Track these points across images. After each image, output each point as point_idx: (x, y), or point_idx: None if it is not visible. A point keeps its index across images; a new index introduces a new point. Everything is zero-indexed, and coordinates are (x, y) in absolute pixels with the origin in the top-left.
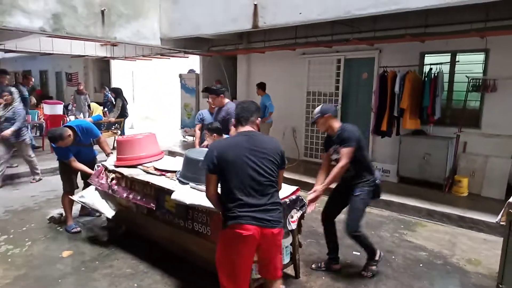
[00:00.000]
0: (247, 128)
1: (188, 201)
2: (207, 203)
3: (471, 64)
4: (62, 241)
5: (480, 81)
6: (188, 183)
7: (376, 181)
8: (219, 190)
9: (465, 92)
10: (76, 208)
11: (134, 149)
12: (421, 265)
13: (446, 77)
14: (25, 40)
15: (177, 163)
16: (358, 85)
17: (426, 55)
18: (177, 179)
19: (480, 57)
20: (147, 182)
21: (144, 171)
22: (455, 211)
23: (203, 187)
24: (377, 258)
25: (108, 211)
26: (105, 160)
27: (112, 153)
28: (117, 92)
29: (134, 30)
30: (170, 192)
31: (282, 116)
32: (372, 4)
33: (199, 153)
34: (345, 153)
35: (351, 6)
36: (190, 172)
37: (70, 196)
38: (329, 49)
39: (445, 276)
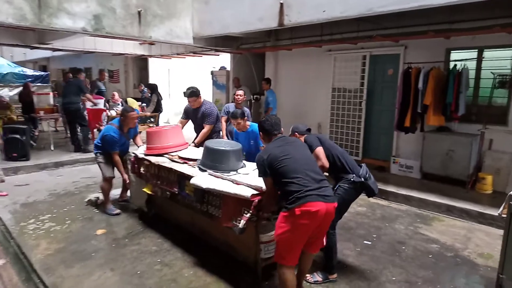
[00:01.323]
0: (280, 134)
1: (204, 186)
2: (222, 188)
3: (498, 60)
4: (97, 221)
5: (508, 77)
6: (206, 170)
7: (351, 179)
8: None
9: (491, 88)
10: (115, 194)
11: (161, 140)
12: (430, 256)
13: (472, 74)
14: (70, 39)
15: (199, 153)
16: (383, 81)
17: (451, 51)
18: (198, 166)
19: (508, 53)
20: (171, 169)
21: (170, 159)
22: (475, 208)
23: (220, 174)
24: (330, 277)
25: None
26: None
27: (142, 145)
28: (153, 88)
29: (168, 30)
30: (190, 177)
31: (307, 112)
32: (394, 1)
33: (217, 143)
34: (317, 153)
35: (373, 4)
36: (209, 160)
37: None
38: (355, 46)
39: (452, 267)
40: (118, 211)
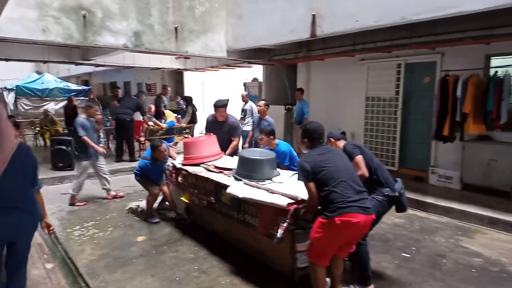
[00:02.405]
0: (323, 143)
1: (240, 195)
2: (258, 197)
3: None
4: (137, 228)
5: None
6: (242, 180)
7: (386, 193)
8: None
9: None
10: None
11: (197, 150)
12: (473, 270)
13: None
14: (111, 55)
15: (234, 162)
16: (420, 89)
17: (492, 57)
18: (233, 176)
19: None
20: (207, 178)
21: (206, 169)
22: None
23: (255, 183)
24: None
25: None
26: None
27: (176, 157)
28: (188, 100)
29: (203, 44)
30: (226, 187)
31: (340, 122)
32: (428, 9)
33: (251, 152)
34: (357, 162)
35: (406, 12)
36: (243, 170)
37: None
38: (389, 54)
39: (498, 282)
40: (157, 220)
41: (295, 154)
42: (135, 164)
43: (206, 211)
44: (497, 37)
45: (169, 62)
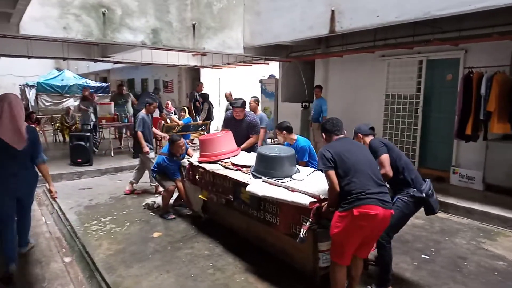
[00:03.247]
0: (341, 136)
1: (260, 193)
2: (278, 195)
3: None
4: (153, 224)
5: None
6: (260, 177)
7: (412, 193)
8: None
9: None
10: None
11: (214, 147)
12: (496, 274)
13: None
14: (129, 52)
15: (251, 159)
16: (442, 87)
17: None
18: (251, 173)
19: None
20: (226, 176)
21: (223, 166)
22: None
23: (274, 181)
24: None
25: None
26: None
27: (192, 155)
28: (204, 97)
29: (220, 41)
30: (245, 185)
31: (359, 119)
32: (453, 4)
33: (270, 149)
34: (382, 160)
35: (430, 7)
36: (262, 167)
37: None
38: (410, 51)
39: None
40: (173, 216)
41: (314, 150)
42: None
43: (224, 208)
44: None
45: (186, 59)
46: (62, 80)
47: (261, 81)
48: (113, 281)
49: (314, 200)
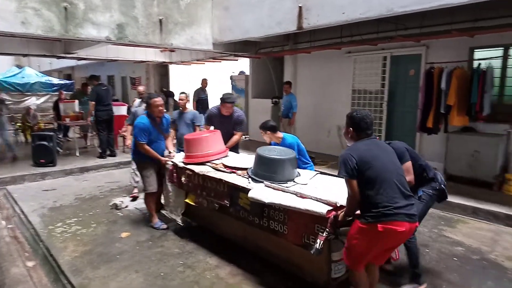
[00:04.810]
0: (371, 136)
1: (267, 200)
2: (289, 203)
3: None
4: (121, 224)
5: None
6: (262, 181)
7: (436, 187)
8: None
9: None
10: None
11: (202, 147)
12: (455, 259)
13: (497, 73)
14: (94, 48)
15: (245, 160)
16: (405, 82)
17: (475, 50)
18: (250, 177)
19: None
20: (220, 180)
21: (214, 168)
22: (503, 210)
23: (278, 185)
24: (422, 287)
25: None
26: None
27: (173, 150)
28: (169, 94)
29: (189, 37)
30: (244, 190)
31: (327, 115)
32: (415, 1)
33: (270, 151)
34: (407, 168)
35: (394, 4)
36: (262, 170)
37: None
38: (375, 47)
39: (478, 270)
40: (165, 226)
41: (303, 145)
42: (118, 159)
43: (216, 214)
44: (481, 29)
45: (154, 55)
46: (23, 77)
47: (231, 78)
48: (80, 283)
49: (331, 208)
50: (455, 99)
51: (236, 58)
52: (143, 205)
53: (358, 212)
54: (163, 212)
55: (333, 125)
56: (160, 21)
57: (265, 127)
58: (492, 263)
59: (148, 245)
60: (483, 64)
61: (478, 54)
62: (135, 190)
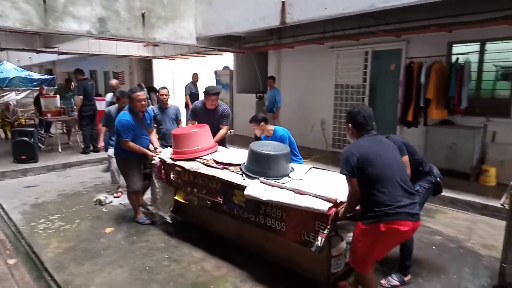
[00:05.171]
0: (372, 132)
1: (264, 198)
2: (287, 200)
3: (501, 52)
4: (105, 220)
5: (510, 69)
6: (257, 178)
7: (432, 181)
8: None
9: (494, 81)
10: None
11: (191, 142)
12: (434, 247)
13: (474, 67)
14: (75, 43)
15: (237, 156)
16: (386, 76)
17: (454, 45)
18: (243, 173)
19: (511, 45)
20: (213, 176)
21: (205, 164)
22: (479, 200)
23: (274, 182)
24: (406, 279)
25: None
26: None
27: (159, 146)
28: (152, 89)
29: (172, 31)
30: (239, 187)
31: (311, 109)
32: None
33: (263, 146)
34: (405, 162)
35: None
36: (256, 166)
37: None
38: (357, 42)
39: (456, 258)
40: (150, 220)
41: (293, 139)
42: (102, 155)
43: (208, 212)
44: (459, 25)
45: (137, 50)
46: (1, 72)
47: (215, 72)
48: (63, 280)
49: (331, 205)
50: (434, 93)
51: (221, 52)
52: (128, 200)
53: (358, 207)
54: (150, 208)
55: (316, 119)
56: (143, 15)
57: (257, 119)
58: (469, 251)
59: (133, 240)
60: (461, 59)
61: (456, 49)
62: (120, 189)
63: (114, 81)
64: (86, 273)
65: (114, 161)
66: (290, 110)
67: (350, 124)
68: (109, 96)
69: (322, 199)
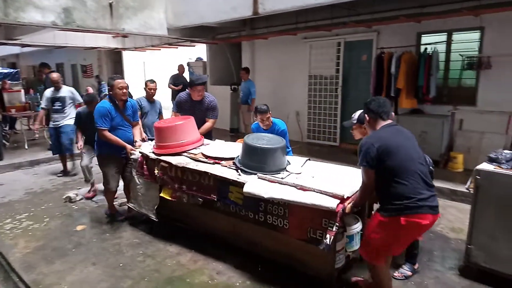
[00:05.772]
0: (389, 121)
1: (266, 195)
2: (292, 197)
3: (467, 42)
4: (76, 217)
5: (475, 59)
6: (253, 173)
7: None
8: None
9: (460, 70)
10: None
11: (176, 136)
12: None
13: (442, 56)
14: (40, 34)
15: (227, 149)
16: (358, 67)
17: (422, 35)
18: (238, 168)
19: (476, 35)
20: (205, 172)
21: (193, 159)
22: (447, 185)
23: (273, 177)
24: (415, 267)
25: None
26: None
27: (140, 140)
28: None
29: (142, 22)
30: (235, 183)
31: (285, 100)
32: None
33: (259, 139)
34: None
35: None
36: (252, 161)
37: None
38: (330, 33)
39: (426, 242)
40: (123, 216)
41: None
42: None
43: (198, 210)
44: (427, 15)
45: (105, 41)
46: None
47: (188, 64)
48: (33, 280)
49: (338, 201)
50: (404, 83)
51: (193, 44)
52: (99, 197)
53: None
54: (129, 205)
55: (291, 110)
56: (110, 4)
57: (267, 110)
58: (438, 235)
59: (106, 237)
60: (429, 49)
61: (425, 39)
62: (92, 189)
63: (55, 75)
64: (56, 272)
65: (85, 157)
66: (264, 101)
67: (366, 115)
68: (49, 92)
69: (328, 195)
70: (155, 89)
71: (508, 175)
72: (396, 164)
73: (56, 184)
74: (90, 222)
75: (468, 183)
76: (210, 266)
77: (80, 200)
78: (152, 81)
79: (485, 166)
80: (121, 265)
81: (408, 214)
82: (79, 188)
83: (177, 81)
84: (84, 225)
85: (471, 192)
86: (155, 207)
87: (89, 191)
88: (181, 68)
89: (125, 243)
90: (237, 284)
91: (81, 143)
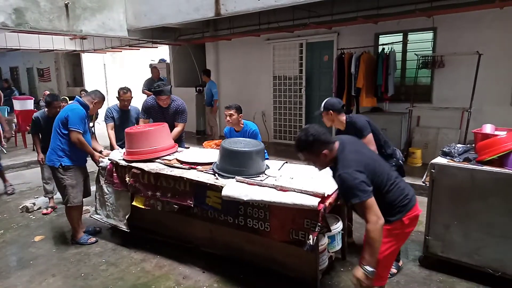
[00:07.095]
0: (336, 142)
1: (246, 198)
2: (271, 198)
3: (421, 42)
4: (34, 227)
5: (429, 58)
6: (232, 177)
7: (393, 163)
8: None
9: (416, 69)
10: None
11: (149, 141)
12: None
13: (399, 56)
14: None
15: (203, 155)
16: (320, 67)
17: (380, 36)
18: (216, 172)
19: (429, 35)
20: (180, 177)
21: (167, 165)
22: (407, 180)
23: (252, 180)
24: (400, 264)
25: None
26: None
27: (103, 150)
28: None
29: (100, 23)
30: (213, 187)
31: (251, 101)
32: None
33: (237, 143)
34: (369, 140)
35: None
36: (231, 165)
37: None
38: (292, 34)
39: None
40: (94, 239)
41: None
42: (27, 159)
43: (173, 217)
44: (383, 16)
45: (62, 43)
46: None
47: (150, 66)
48: None
49: (319, 199)
50: (363, 82)
51: (156, 45)
52: (58, 205)
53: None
54: (95, 217)
55: (257, 111)
56: (66, 5)
57: (229, 106)
58: None
59: (66, 247)
60: (387, 49)
61: (382, 39)
62: (50, 204)
63: None
64: (13, 286)
65: (46, 169)
66: (230, 102)
67: (319, 150)
68: None
69: (308, 194)
70: (129, 100)
71: (459, 167)
72: (378, 174)
73: (12, 194)
74: (49, 232)
75: (424, 176)
76: (176, 271)
77: (37, 209)
78: (126, 90)
79: (439, 160)
80: (82, 275)
81: (407, 212)
82: (37, 197)
83: (151, 86)
84: (42, 235)
85: (427, 185)
86: (127, 217)
87: (47, 208)
88: (155, 71)
89: (87, 252)
90: (205, 287)
91: (42, 155)
